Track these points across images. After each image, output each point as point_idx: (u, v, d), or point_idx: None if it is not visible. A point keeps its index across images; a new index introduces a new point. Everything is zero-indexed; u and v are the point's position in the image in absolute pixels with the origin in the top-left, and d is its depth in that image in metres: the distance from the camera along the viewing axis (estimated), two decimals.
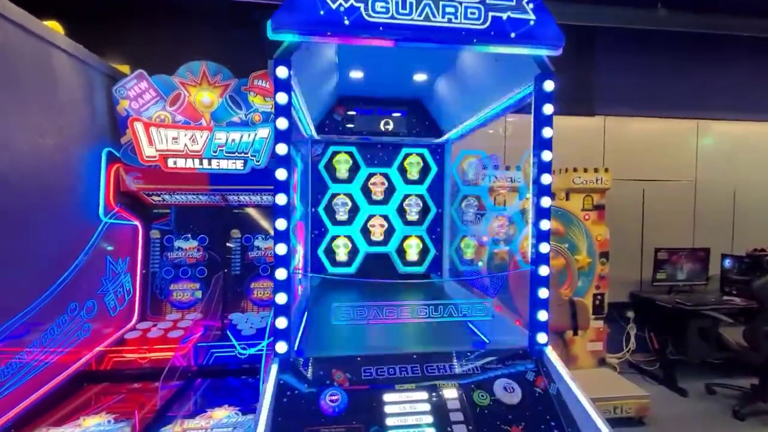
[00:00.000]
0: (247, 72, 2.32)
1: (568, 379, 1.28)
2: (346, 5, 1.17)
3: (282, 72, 1.22)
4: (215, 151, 2.26)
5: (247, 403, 1.74)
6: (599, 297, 3.86)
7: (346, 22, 1.19)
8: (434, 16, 1.22)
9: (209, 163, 2.27)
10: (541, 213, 1.38)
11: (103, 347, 2.03)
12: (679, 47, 4.56)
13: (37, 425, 1.57)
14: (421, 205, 2.62)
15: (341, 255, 2.57)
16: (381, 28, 1.20)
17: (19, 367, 1.56)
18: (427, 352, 1.37)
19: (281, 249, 1.21)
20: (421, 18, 1.22)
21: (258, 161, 2.30)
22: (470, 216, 2.58)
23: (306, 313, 1.93)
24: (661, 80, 4.60)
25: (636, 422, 3.29)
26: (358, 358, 1.31)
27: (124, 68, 2.42)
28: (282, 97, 1.21)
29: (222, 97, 2.31)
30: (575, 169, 3.81)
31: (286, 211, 1.22)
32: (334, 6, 1.17)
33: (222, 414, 1.68)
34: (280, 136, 1.22)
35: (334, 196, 2.56)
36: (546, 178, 1.38)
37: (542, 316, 1.39)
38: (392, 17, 1.20)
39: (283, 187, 1.21)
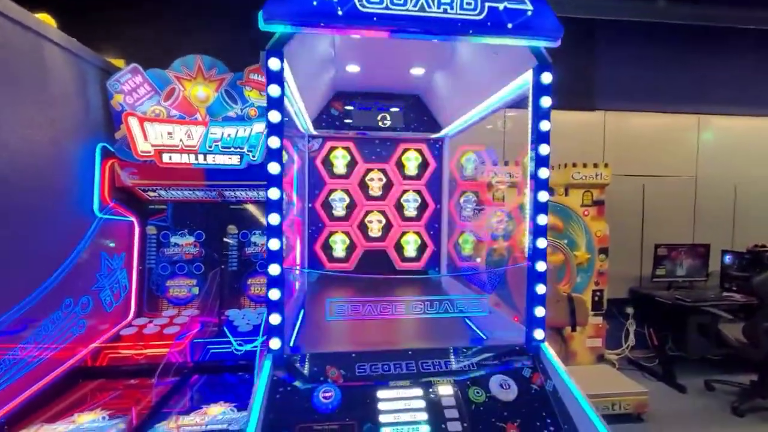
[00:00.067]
0: (242, 66, 2.29)
1: (564, 375, 1.26)
2: None
3: (274, 64, 1.19)
4: (211, 146, 2.24)
5: (243, 399, 1.73)
6: (598, 293, 3.84)
7: (340, 13, 1.16)
8: (429, 7, 1.19)
9: (205, 159, 2.25)
10: (539, 208, 1.36)
11: (98, 343, 2.02)
12: (680, 40, 4.51)
13: (31, 421, 1.56)
14: (419, 200, 2.60)
15: (339, 251, 2.56)
16: (375, 18, 1.18)
17: (12, 364, 1.55)
18: (423, 348, 1.36)
19: (274, 244, 1.20)
20: (416, 8, 1.19)
21: (254, 156, 2.28)
22: (468, 211, 2.57)
23: (303, 309, 1.91)
24: (663, 73, 4.55)
25: (635, 419, 3.29)
26: (353, 355, 1.29)
27: (119, 62, 2.40)
28: (274, 90, 1.19)
29: (217, 92, 2.29)
30: (574, 165, 3.78)
31: (278, 206, 1.20)
32: None
33: (217, 410, 1.67)
34: (272, 129, 1.20)
35: (331, 191, 2.54)
36: (543, 172, 1.36)
37: (539, 312, 1.38)
38: (386, 8, 1.18)
39: (276, 181, 1.19)
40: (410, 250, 2.60)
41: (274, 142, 1.19)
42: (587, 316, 3.49)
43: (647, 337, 4.32)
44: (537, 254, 1.37)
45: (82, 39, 2.01)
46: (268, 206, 1.20)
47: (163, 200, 2.43)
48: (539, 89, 1.36)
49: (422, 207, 2.60)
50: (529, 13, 1.24)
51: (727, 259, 4.42)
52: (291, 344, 1.45)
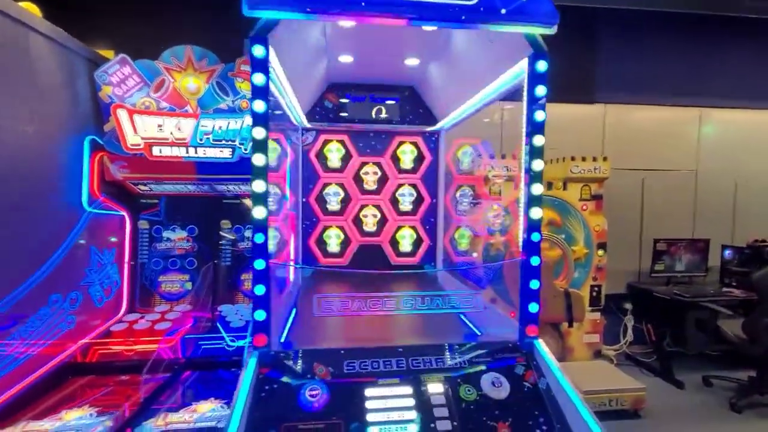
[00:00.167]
0: (233, 57, 2.24)
1: (558, 373, 1.23)
2: None
3: (259, 51, 1.15)
4: (201, 139, 2.20)
5: None
6: (596, 288, 3.81)
7: None
8: None
9: (196, 152, 2.21)
10: (533, 201, 1.33)
11: (88, 339, 2.00)
12: (681, 32, 4.44)
13: (18, 419, 1.53)
14: (415, 194, 2.56)
15: (333, 246, 2.52)
16: (363, 3, 1.13)
17: None
18: (413, 345, 1.33)
19: (259, 238, 1.16)
20: None
21: (246, 149, 2.24)
22: (465, 206, 2.53)
23: (296, 305, 1.88)
24: (663, 65, 4.49)
25: (632, 415, 3.27)
26: (342, 351, 1.26)
27: (108, 53, 2.35)
28: (259, 78, 1.15)
29: (208, 83, 2.24)
30: (573, 158, 3.73)
31: (264, 199, 1.16)
32: None
33: (207, 407, 1.65)
34: (257, 119, 1.16)
35: (325, 185, 2.51)
36: (538, 164, 1.32)
37: (532, 308, 1.35)
38: None
39: (261, 173, 1.16)
40: (405, 245, 2.57)
41: (259, 132, 1.15)
42: (584, 312, 3.46)
43: (645, 333, 4.30)
44: (530, 249, 1.33)
45: (69, 30, 1.96)
46: (254, 199, 1.16)
47: (154, 194, 2.39)
48: (534, 78, 1.32)
49: (418, 201, 2.57)
50: None
51: (727, 254, 4.38)
52: (282, 340, 1.42)
